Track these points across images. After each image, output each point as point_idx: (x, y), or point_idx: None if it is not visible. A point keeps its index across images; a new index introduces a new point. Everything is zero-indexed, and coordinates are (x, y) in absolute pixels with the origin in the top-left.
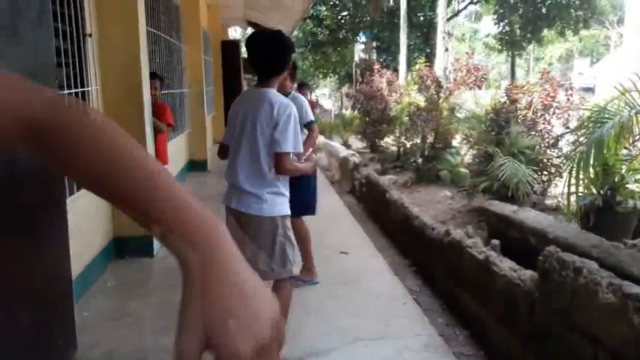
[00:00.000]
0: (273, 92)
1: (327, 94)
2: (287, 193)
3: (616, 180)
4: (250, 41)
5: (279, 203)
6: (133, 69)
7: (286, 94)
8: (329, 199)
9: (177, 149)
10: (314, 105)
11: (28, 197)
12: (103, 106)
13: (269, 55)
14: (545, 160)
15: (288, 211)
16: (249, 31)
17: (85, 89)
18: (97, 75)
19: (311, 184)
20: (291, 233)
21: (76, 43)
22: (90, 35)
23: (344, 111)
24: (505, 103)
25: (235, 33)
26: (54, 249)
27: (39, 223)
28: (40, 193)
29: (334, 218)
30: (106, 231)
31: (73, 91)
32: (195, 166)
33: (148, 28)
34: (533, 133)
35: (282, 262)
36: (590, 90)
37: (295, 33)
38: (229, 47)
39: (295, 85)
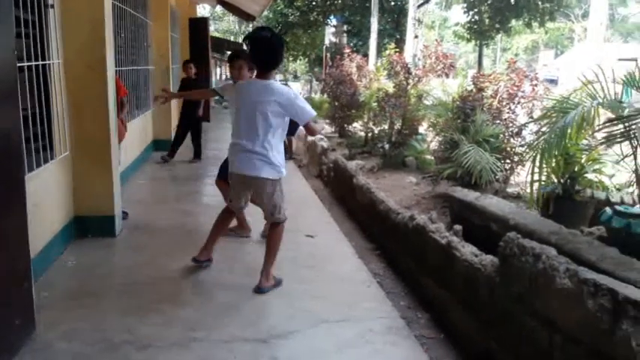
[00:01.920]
0: (278, 85)
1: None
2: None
3: (576, 169)
4: (256, 37)
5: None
6: (97, 42)
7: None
8: (296, 183)
9: (142, 128)
10: None
11: None
12: (65, 80)
13: (270, 55)
14: (508, 149)
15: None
16: (219, 9)
17: (47, 62)
18: (59, 48)
19: None
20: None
21: (38, 13)
22: (52, 6)
23: (313, 95)
24: (472, 91)
25: (204, 11)
26: (11, 227)
27: None
28: None
29: (301, 202)
30: (66, 209)
31: (34, 63)
32: (160, 145)
33: (114, 2)
34: (498, 121)
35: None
36: (553, 81)
37: (265, 13)
38: (198, 25)
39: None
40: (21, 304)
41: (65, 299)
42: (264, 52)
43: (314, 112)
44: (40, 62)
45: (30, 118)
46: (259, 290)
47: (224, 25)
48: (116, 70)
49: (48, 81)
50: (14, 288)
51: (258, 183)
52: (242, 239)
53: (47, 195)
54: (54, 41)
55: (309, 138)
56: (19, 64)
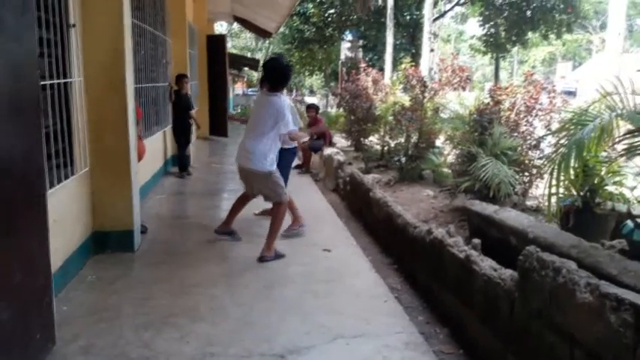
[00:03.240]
0: (282, 98)
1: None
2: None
3: (595, 182)
4: (269, 64)
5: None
6: (118, 61)
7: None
8: (313, 197)
9: (160, 144)
10: (320, 122)
11: (5, 191)
12: (86, 99)
13: (281, 76)
14: (526, 162)
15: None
16: (236, 26)
17: (68, 80)
18: (80, 67)
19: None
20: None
21: (60, 33)
22: (74, 26)
23: (329, 109)
24: (489, 104)
25: (221, 28)
26: (33, 243)
27: (17, 217)
28: (18, 187)
29: (318, 216)
30: (86, 225)
31: (56, 82)
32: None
33: (133, 20)
34: (515, 134)
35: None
36: (572, 93)
37: (282, 29)
38: (215, 42)
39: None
40: (41, 318)
41: (84, 314)
42: (274, 75)
43: (295, 127)
44: (62, 80)
45: (52, 134)
46: (262, 259)
47: (241, 42)
48: (136, 88)
49: (69, 98)
50: (35, 303)
51: (251, 173)
52: (256, 253)
53: (67, 210)
54: (75, 60)
55: (326, 152)
56: (41, 83)
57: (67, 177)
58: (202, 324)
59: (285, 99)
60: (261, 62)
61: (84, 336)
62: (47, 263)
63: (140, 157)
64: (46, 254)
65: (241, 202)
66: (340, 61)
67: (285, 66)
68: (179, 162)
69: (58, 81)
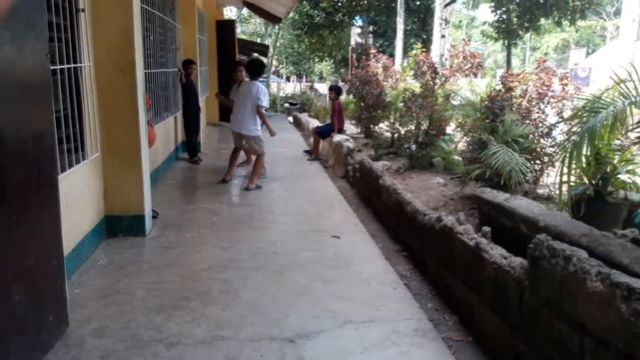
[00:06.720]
0: (258, 83)
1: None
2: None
3: (608, 170)
4: (250, 61)
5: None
6: (127, 46)
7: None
8: (322, 184)
9: (171, 129)
10: (340, 108)
11: (18, 175)
12: (95, 83)
13: (257, 69)
14: (538, 149)
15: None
16: (245, 11)
17: (78, 65)
18: (90, 51)
19: None
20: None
21: (69, 18)
22: (83, 10)
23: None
24: (500, 91)
25: (230, 13)
26: (45, 226)
27: (30, 200)
28: (30, 171)
29: (327, 203)
30: (98, 209)
31: (66, 66)
32: None
33: (142, 5)
34: (527, 121)
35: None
36: (585, 80)
37: (291, 15)
38: (225, 27)
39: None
40: (54, 301)
41: (96, 297)
42: (254, 69)
43: (266, 104)
44: (72, 65)
45: (62, 119)
46: (247, 189)
47: (250, 28)
48: (145, 73)
49: (79, 83)
50: (48, 285)
51: (244, 135)
52: (271, 241)
53: (79, 195)
54: (85, 44)
55: (335, 139)
56: (52, 67)
57: (78, 162)
58: (213, 307)
59: (261, 85)
60: (271, 48)
61: (96, 318)
62: (59, 246)
63: (150, 144)
64: (59, 237)
65: (234, 155)
66: (350, 47)
67: (260, 62)
68: (189, 148)
69: (68, 66)
